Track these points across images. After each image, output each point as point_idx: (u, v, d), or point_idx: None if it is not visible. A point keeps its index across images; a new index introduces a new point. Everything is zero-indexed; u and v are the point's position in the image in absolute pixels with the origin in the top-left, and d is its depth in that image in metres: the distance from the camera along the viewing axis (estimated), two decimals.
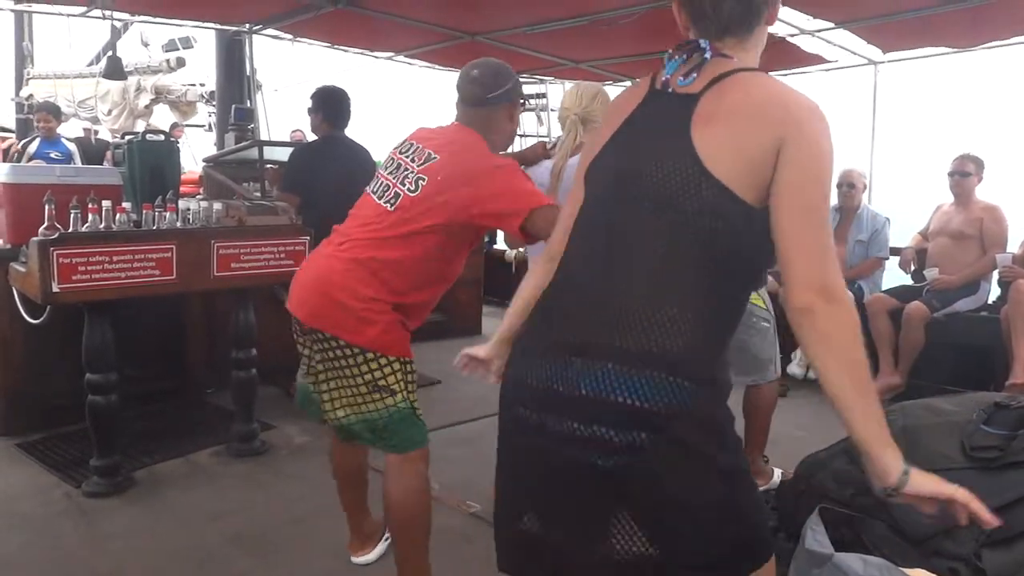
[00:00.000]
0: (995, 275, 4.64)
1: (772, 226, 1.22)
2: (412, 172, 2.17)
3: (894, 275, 5.35)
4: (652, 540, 1.18)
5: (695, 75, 1.30)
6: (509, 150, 2.83)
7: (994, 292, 4.76)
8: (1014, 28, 5.52)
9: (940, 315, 4.53)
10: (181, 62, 9.64)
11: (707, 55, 1.31)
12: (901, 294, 4.76)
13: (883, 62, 6.50)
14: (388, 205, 2.15)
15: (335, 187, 3.50)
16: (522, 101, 2.42)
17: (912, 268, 5.11)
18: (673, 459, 1.16)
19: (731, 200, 1.20)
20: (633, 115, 1.36)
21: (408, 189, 2.14)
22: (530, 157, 3.01)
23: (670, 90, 1.33)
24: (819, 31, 5.77)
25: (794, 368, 4.94)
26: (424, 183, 2.13)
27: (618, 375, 1.16)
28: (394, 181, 2.19)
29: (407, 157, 2.22)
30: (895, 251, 5.18)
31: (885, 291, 4.93)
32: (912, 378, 4.52)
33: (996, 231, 4.62)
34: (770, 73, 1.35)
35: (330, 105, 4.17)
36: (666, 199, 1.23)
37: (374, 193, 2.22)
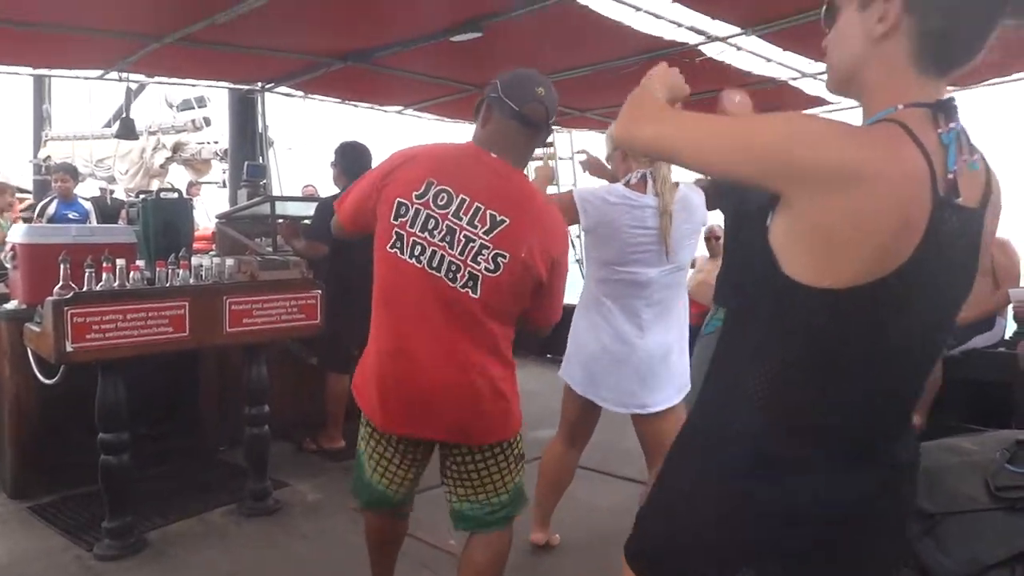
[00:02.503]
0: (1010, 310, 4.59)
1: None
2: (478, 241, 1.87)
3: None
4: None
5: (976, 158, 1.07)
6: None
7: (1010, 327, 4.71)
8: (1013, 65, 5.56)
9: (956, 352, 4.47)
10: (207, 122, 9.85)
11: (959, 125, 1.06)
12: None
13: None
14: (470, 291, 1.87)
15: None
16: None
17: None
18: None
19: None
20: (930, 235, 1.00)
21: (486, 269, 1.86)
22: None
23: (957, 200, 1.02)
24: (820, 74, 5.84)
25: None
26: (506, 262, 1.87)
27: None
28: (455, 254, 1.87)
29: (455, 217, 1.88)
30: None
31: None
32: (932, 417, 4.44)
33: (1008, 265, 4.59)
34: None
35: (350, 158, 4.25)
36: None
37: (431, 267, 1.89)
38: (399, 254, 1.91)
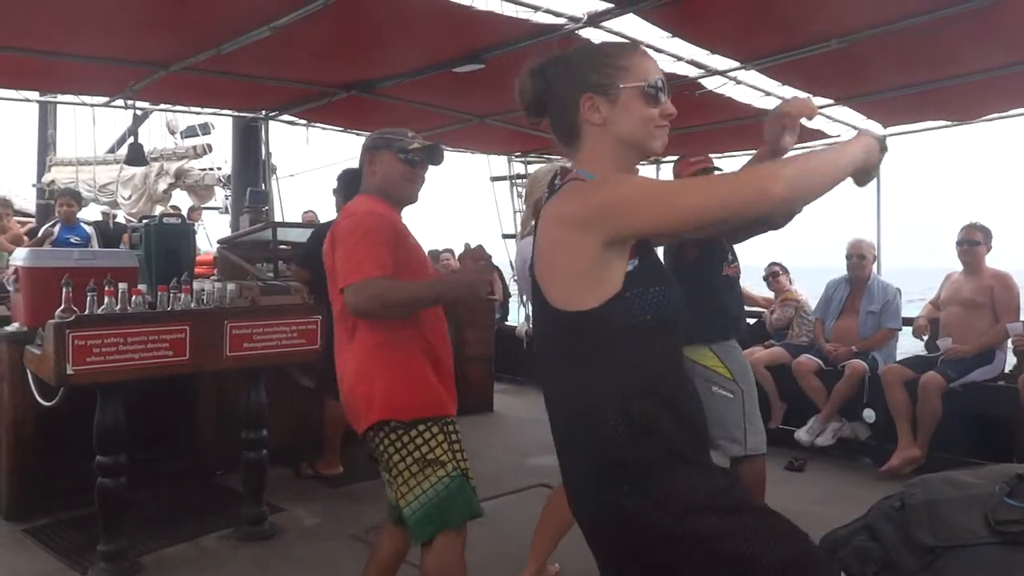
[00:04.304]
0: (1010, 344, 4.60)
1: None
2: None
3: (905, 345, 5.33)
4: None
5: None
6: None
7: (1010, 361, 4.71)
8: (1012, 101, 5.63)
9: (956, 385, 4.47)
10: (210, 148, 9.94)
11: (557, 181, 1.55)
12: (916, 364, 4.72)
13: (885, 136, 6.62)
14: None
15: None
16: (387, 148, 2.35)
17: (926, 337, 5.09)
18: None
19: (567, 317, 1.39)
20: None
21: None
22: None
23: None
24: (821, 107, 5.91)
25: (802, 435, 4.86)
26: (328, 265, 2.27)
27: None
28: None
29: None
30: (906, 321, 5.17)
31: (899, 362, 4.89)
32: (932, 450, 4.44)
33: (1007, 299, 4.61)
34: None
35: (351, 186, 4.29)
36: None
37: None
38: None
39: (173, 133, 10.37)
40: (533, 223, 3.00)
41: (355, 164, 4.41)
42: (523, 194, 2.97)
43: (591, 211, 1.33)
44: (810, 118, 1.59)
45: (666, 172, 7.72)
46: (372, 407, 2.14)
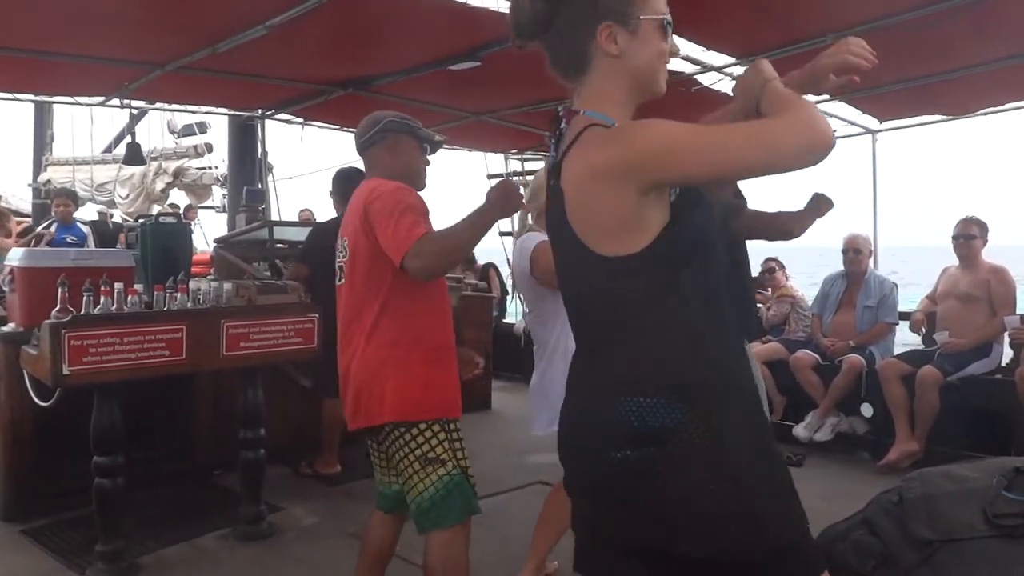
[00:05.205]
0: (1007, 337, 4.61)
1: None
2: (343, 241, 2.35)
3: (903, 339, 5.34)
4: None
5: (562, 147, 1.38)
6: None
7: (1007, 354, 4.72)
8: (1007, 95, 5.64)
9: (954, 379, 4.48)
10: (209, 148, 9.92)
11: (562, 124, 1.40)
12: (913, 359, 4.73)
13: (880, 130, 6.63)
14: (345, 283, 2.31)
15: None
16: (411, 134, 2.42)
17: (923, 331, 5.10)
18: None
19: (609, 262, 1.32)
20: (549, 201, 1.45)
21: (343, 257, 2.33)
22: None
23: (551, 182, 1.42)
24: (816, 102, 5.89)
25: (800, 431, 4.86)
26: (348, 244, 2.31)
27: None
28: (341, 260, 2.36)
29: (343, 236, 2.38)
30: (904, 315, 5.18)
31: (896, 356, 4.90)
32: (930, 444, 4.44)
33: (1004, 293, 4.62)
34: None
35: (342, 185, 4.30)
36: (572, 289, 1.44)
37: (338, 282, 2.37)
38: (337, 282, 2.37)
39: (173, 133, 10.36)
40: (529, 222, 3.02)
41: (351, 164, 4.45)
42: (527, 194, 2.95)
43: (629, 161, 1.26)
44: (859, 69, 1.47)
45: None
46: (384, 407, 2.17)
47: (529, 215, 3.00)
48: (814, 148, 1.21)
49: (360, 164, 4.59)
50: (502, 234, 8.83)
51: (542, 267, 2.69)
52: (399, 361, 2.17)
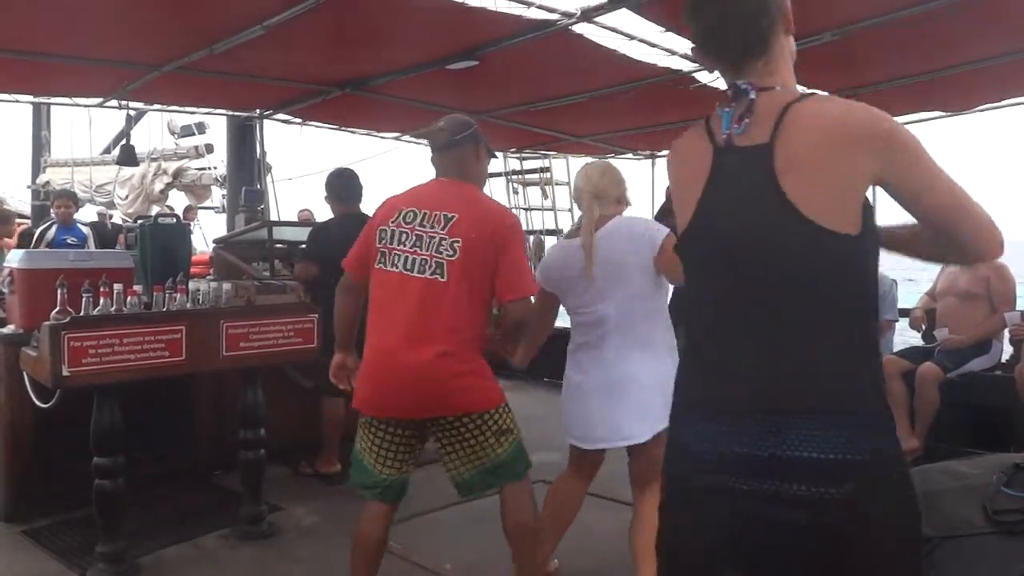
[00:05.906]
0: (1007, 334, 4.61)
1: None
2: (437, 237, 2.37)
3: (902, 337, 5.34)
4: None
5: (747, 120, 1.34)
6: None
7: (1007, 351, 4.72)
8: (1004, 91, 5.64)
9: (954, 375, 4.48)
10: (209, 148, 9.92)
11: (751, 95, 1.35)
12: (913, 356, 4.73)
13: None
14: (438, 277, 2.35)
15: None
16: (486, 146, 2.61)
17: (923, 328, 5.09)
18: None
19: (831, 238, 1.26)
20: (714, 177, 1.38)
21: (447, 255, 2.35)
22: None
23: (736, 145, 1.36)
24: (810, 93, 5.90)
25: None
26: (460, 245, 2.35)
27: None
28: (423, 252, 2.37)
29: (420, 226, 2.40)
30: (903, 312, 5.18)
31: (896, 353, 4.90)
32: (930, 441, 4.44)
33: (1003, 289, 4.61)
34: None
35: (338, 185, 4.30)
36: (770, 256, 1.31)
37: (406, 269, 2.38)
38: (384, 267, 2.42)
39: (174, 134, 10.37)
40: (576, 226, 2.85)
41: (350, 165, 4.46)
42: (576, 194, 2.84)
43: (881, 135, 1.32)
44: None
45: (661, 168, 7.70)
46: (474, 398, 2.43)
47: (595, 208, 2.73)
48: (993, 247, 1.34)
49: (360, 166, 4.57)
50: (529, 233, 8.89)
51: (669, 255, 2.47)
52: (480, 359, 2.46)
